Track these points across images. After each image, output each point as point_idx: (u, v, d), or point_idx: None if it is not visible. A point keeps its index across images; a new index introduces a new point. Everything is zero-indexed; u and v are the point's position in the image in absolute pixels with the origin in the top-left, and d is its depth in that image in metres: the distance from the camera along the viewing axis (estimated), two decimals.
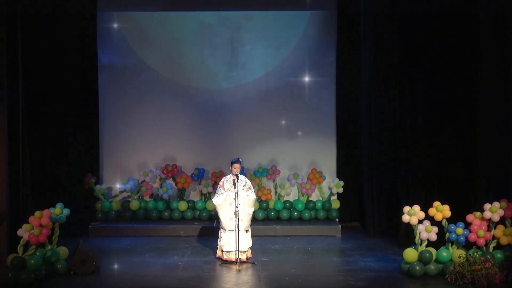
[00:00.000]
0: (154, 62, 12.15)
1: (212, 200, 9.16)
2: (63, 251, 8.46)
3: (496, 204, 8.37)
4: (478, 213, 8.38)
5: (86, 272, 8.27)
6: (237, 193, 8.73)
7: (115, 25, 12.02)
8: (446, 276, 7.94)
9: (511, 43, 9.06)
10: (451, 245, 8.33)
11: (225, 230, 8.86)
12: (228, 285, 7.86)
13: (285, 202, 11.94)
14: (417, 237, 8.32)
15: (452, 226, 8.28)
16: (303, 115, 12.18)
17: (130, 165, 12.17)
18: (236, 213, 8.68)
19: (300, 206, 11.82)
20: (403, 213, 8.43)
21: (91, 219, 11.51)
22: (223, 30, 12.11)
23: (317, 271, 8.48)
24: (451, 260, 8.17)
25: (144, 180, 11.97)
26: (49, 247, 8.33)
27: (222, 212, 8.86)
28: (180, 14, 12.14)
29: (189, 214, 11.77)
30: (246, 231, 8.92)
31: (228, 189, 8.89)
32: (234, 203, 8.74)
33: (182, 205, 11.80)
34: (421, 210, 8.40)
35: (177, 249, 9.90)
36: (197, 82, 12.20)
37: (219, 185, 9.00)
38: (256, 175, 11.93)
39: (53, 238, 8.45)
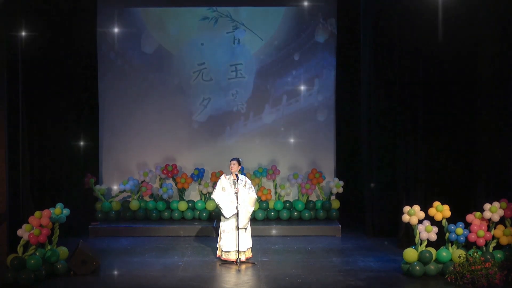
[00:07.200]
0: (153, 61, 12.14)
1: (211, 197, 9.18)
2: (63, 251, 8.46)
3: (496, 204, 8.37)
4: (478, 213, 8.38)
5: (86, 272, 8.26)
6: (236, 193, 8.72)
7: (116, 23, 12.01)
8: (446, 276, 7.93)
9: (511, 41, 9.06)
10: (451, 245, 8.33)
11: (227, 219, 8.78)
12: (228, 285, 7.86)
13: (285, 202, 11.94)
14: (417, 237, 8.32)
15: (452, 226, 8.28)
16: (303, 114, 12.18)
17: (130, 165, 12.17)
18: (236, 209, 8.67)
19: (300, 206, 11.82)
20: (403, 213, 8.43)
21: (91, 219, 11.51)
22: (223, 27, 12.09)
23: (317, 271, 8.47)
24: (451, 260, 8.17)
25: (144, 180, 11.96)
26: (49, 247, 8.33)
27: (220, 198, 8.82)
28: (179, 10, 12.11)
29: (189, 214, 11.77)
30: (245, 229, 8.89)
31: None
32: (230, 188, 8.73)
33: (182, 205, 11.80)
34: (421, 210, 8.40)
35: (177, 249, 9.90)
36: (197, 81, 12.20)
37: (217, 184, 9.00)
38: (256, 175, 11.93)
39: (53, 238, 8.45)
